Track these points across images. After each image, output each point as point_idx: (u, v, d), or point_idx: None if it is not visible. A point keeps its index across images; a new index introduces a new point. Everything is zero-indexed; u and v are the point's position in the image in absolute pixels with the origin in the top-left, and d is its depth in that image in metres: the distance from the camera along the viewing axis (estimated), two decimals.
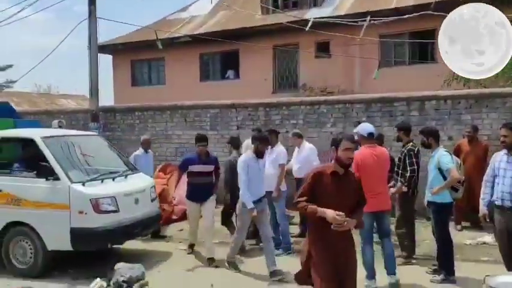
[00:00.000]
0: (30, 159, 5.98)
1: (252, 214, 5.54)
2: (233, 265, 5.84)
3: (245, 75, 14.85)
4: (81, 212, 5.44)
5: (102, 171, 6.14)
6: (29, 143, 5.99)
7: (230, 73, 15.74)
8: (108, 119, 11.08)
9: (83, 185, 5.58)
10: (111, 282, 5.16)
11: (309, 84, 13.75)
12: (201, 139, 6.28)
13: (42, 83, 38.54)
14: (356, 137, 4.59)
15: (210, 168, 6.27)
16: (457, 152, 7.19)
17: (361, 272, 4.29)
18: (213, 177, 6.36)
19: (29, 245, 5.65)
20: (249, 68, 14.64)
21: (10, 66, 21.91)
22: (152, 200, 6.50)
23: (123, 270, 5.26)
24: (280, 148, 6.68)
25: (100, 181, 5.85)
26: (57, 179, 5.53)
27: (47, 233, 5.55)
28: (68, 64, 62.45)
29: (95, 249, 5.84)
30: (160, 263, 6.21)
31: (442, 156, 5.18)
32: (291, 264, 6.06)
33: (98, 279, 5.26)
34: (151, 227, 6.60)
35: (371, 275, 4.94)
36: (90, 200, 5.47)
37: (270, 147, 6.68)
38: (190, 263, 6.18)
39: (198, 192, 6.21)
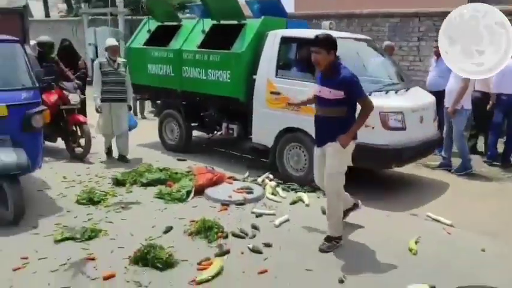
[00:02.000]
0: (307, 63, 5.34)
1: None
2: None
3: None
4: (367, 126, 4.45)
5: (383, 82, 5.40)
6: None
7: None
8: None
9: (369, 95, 4.36)
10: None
11: None
12: (314, 42, 3.86)
13: None
14: None
15: (328, 93, 3.76)
16: None
17: None
18: (337, 109, 3.77)
19: (304, 153, 5.41)
20: None
21: None
22: (434, 120, 5.68)
23: None
24: None
25: (384, 92, 5.15)
26: None
27: None
28: None
29: (376, 169, 5.29)
30: None
31: None
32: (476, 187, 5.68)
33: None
34: (430, 151, 5.73)
35: None
36: (379, 113, 4.81)
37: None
38: None
39: (315, 129, 4.07)
